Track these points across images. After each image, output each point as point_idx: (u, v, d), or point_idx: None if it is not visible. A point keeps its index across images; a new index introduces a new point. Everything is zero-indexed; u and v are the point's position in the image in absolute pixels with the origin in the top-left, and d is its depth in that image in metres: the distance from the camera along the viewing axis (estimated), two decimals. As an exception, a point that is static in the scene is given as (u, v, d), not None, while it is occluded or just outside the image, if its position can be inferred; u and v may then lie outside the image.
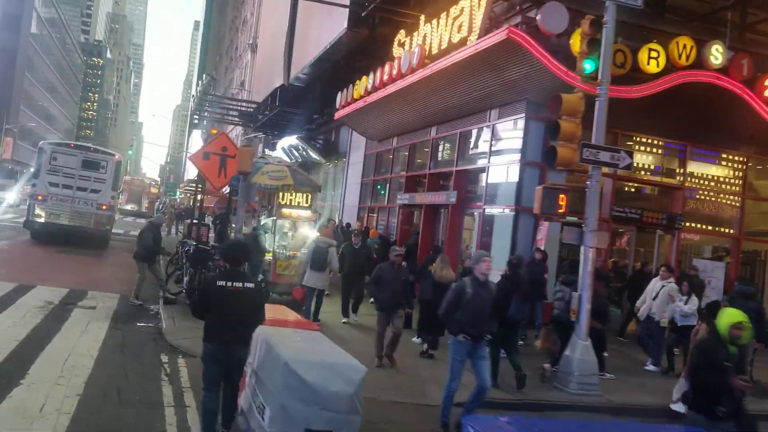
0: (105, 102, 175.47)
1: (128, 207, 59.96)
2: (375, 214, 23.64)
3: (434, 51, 16.11)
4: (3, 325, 9.31)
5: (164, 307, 12.10)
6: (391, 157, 22.97)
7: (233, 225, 19.21)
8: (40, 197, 20.91)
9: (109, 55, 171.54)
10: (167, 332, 10.14)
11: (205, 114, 42.05)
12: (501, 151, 15.80)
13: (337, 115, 23.33)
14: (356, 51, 22.84)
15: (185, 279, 13.18)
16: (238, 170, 10.89)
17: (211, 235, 21.83)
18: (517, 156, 14.78)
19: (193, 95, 68.27)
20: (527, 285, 10.94)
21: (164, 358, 8.73)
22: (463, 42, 14.67)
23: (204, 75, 32.90)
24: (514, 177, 14.81)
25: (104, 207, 21.60)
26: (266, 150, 42.68)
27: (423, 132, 19.92)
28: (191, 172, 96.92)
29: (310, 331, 6.52)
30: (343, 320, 12.43)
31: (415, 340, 12.60)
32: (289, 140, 31.82)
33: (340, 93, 22.85)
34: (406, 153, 21.44)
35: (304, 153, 30.80)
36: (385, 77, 18.56)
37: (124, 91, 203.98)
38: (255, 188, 11.10)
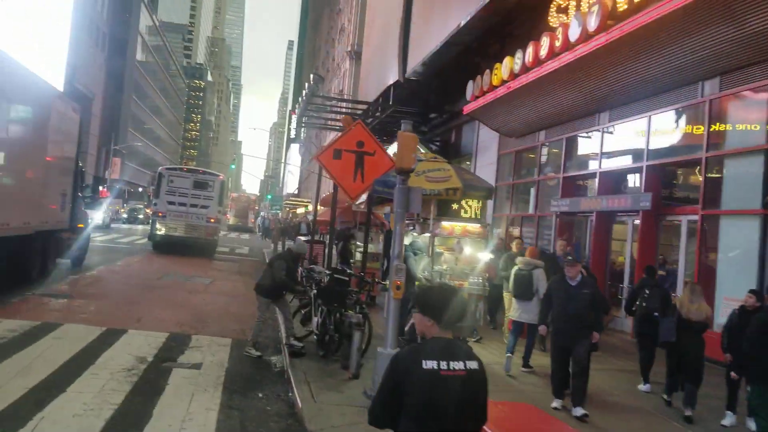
0: (207, 122, 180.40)
1: (235, 222, 60.27)
2: (519, 225, 19.61)
3: (621, 8, 12.03)
4: (69, 411, 6.06)
5: (291, 363, 8.67)
6: (534, 156, 18.93)
7: (357, 243, 15.88)
8: (160, 214, 24.26)
9: (209, 77, 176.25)
10: (306, 415, 6.59)
11: (303, 121, 39.35)
12: (728, 136, 11.45)
13: (468, 108, 19.53)
14: (492, 30, 18.99)
15: (315, 320, 9.74)
16: (397, 168, 7.32)
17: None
18: (762, 140, 10.44)
19: (294, 107, 66.70)
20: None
21: (313, 482, 5.17)
22: (675, -14, 10.52)
23: (312, 75, 29.18)
24: (757, 169, 10.47)
25: (212, 220, 24.86)
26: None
27: (587, 121, 15.77)
28: (290, 185, 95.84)
29: None
30: (554, 404, 7.58)
31: (643, 387, 8.88)
32: (402, 145, 28.30)
33: (471, 82, 19.06)
34: (559, 149, 17.34)
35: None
36: (542, 53, 14.60)
37: (224, 112, 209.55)
38: (419, 194, 7.49)
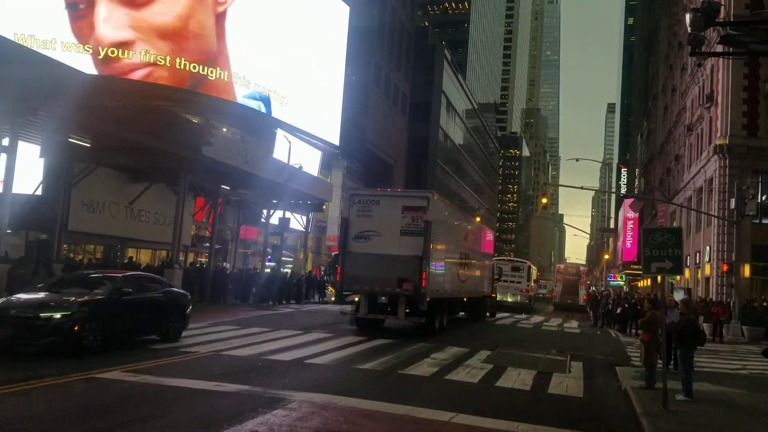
0: (526, 197, 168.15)
1: (562, 300, 45.24)
2: None
3: None
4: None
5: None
6: None
7: None
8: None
9: (525, 151, 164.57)
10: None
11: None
12: None
13: None
14: None
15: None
16: None
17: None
18: None
19: (622, 160, 48.92)
20: None
21: None
22: None
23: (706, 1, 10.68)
24: None
25: (524, 290, 41.70)
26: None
27: None
28: (627, 253, 74.95)
29: None
30: None
31: None
32: None
33: None
34: None
35: None
36: None
37: (542, 184, 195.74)
38: None
